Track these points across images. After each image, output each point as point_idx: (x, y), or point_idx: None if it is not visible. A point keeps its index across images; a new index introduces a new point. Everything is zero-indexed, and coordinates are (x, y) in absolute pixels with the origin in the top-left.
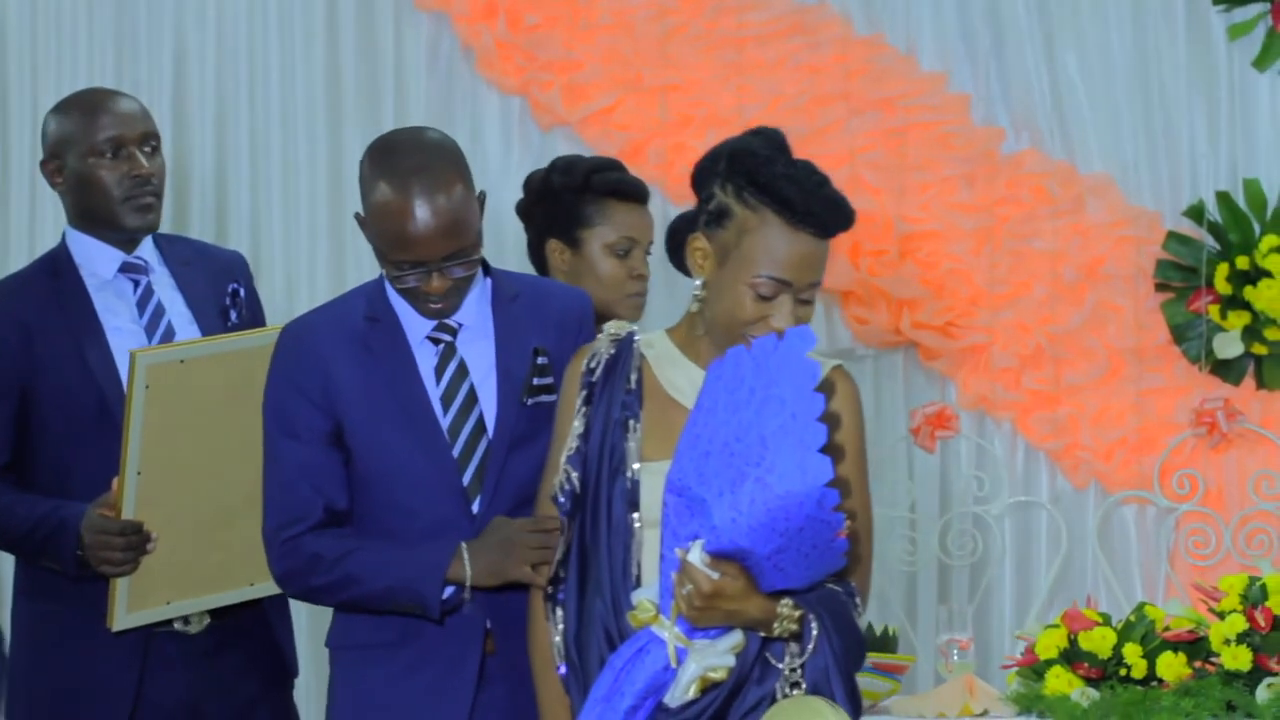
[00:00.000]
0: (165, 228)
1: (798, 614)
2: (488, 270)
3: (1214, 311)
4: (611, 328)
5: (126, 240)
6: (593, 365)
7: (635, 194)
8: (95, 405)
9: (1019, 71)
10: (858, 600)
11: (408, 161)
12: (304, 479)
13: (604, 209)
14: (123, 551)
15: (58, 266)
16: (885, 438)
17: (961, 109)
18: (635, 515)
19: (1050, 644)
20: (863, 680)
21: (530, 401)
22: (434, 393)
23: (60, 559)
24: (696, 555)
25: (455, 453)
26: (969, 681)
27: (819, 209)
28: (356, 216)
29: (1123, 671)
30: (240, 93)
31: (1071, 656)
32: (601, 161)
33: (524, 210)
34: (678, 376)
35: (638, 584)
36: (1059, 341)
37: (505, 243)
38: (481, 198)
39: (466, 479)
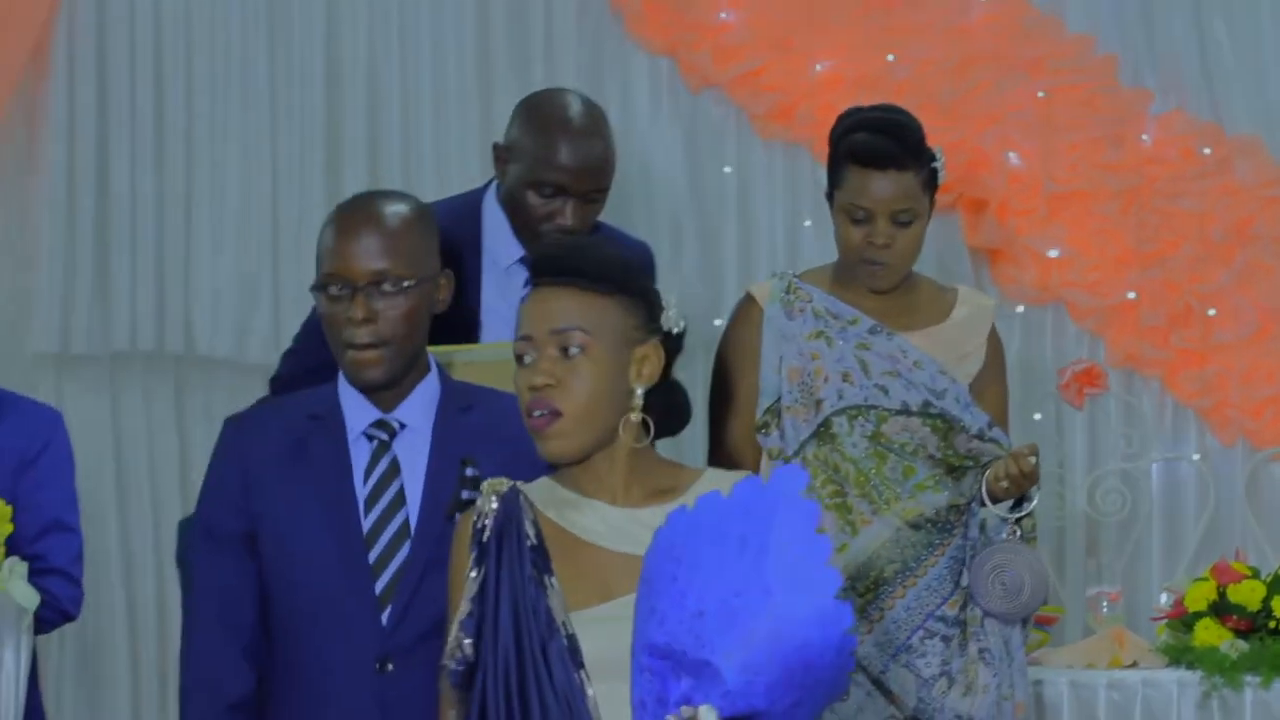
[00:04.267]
0: (318, 197)
1: None
2: (442, 377)
3: None
4: (490, 484)
5: None
6: (480, 525)
7: (868, 159)
8: None
9: (1166, 33)
10: None
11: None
12: (226, 603)
13: (844, 171)
14: None
15: (468, 226)
16: (1034, 394)
17: (1109, 70)
18: (582, 673)
19: (1199, 597)
20: None
21: (459, 516)
22: (360, 492)
23: None
24: None
25: (372, 557)
26: (1119, 633)
27: None
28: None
29: (1271, 624)
30: (391, 58)
31: (1220, 609)
32: (863, 119)
33: None
34: (583, 517)
35: None
36: (1207, 300)
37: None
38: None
39: (379, 587)
